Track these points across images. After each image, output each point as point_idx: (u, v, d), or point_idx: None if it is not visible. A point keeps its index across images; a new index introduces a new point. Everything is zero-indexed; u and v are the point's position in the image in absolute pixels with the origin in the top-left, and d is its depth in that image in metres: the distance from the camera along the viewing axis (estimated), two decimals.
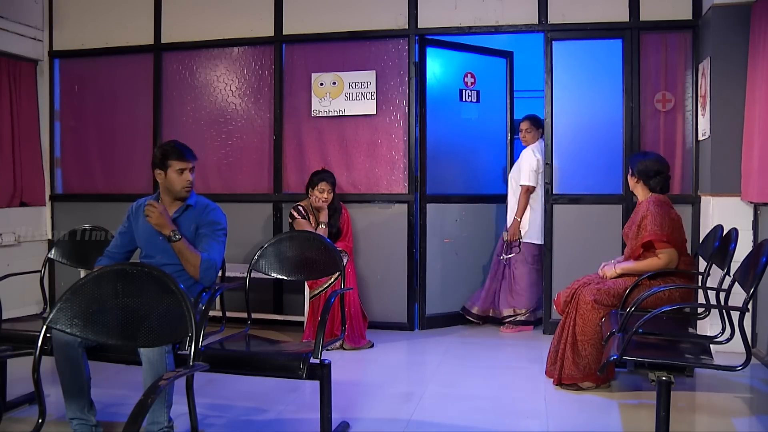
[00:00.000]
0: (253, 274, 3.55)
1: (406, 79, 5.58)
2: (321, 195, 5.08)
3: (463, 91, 5.83)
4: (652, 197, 4.06)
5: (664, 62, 5.26)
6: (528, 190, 5.55)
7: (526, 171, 5.54)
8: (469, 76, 5.84)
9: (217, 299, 3.70)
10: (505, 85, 6.09)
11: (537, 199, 5.58)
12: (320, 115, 5.70)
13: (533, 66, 6.20)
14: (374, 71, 5.62)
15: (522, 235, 5.59)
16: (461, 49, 5.81)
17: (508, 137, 6.13)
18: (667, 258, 3.91)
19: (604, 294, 3.91)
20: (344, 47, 5.71)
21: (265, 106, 5.89)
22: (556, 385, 4.05)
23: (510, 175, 5.75)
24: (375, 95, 5.60)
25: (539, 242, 5.58)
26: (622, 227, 5.13)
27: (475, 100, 5.84)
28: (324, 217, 5.10)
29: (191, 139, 5.91)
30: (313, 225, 5.09)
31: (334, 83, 5.66)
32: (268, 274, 3.61)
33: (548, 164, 5.39)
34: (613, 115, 5.32)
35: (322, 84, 5.69)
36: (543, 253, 5.51)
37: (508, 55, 6.09)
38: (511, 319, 5.58)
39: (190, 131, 6.02)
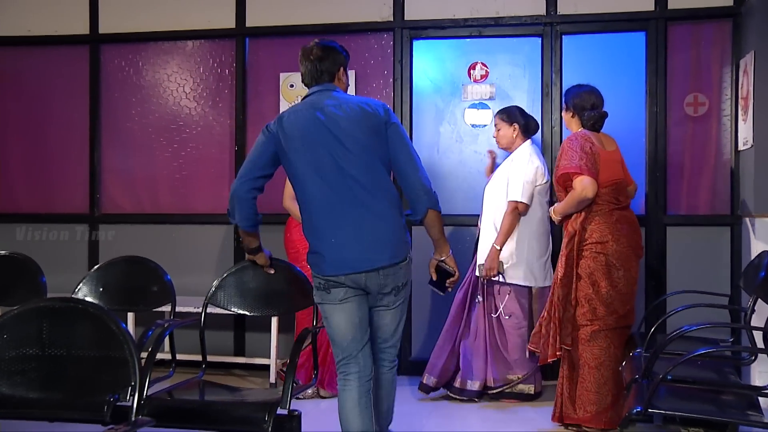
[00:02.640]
0: (209, 309, 3.54)
1: (391, 80, 5.57)
2: None
3: (469, 87, 5.59)
4: (574, 133, 4.26)
5: (697, 59, 5.25)
6: (517, 209, 4.80)
7: (518, 182, 4.80)
8: (478, 67, 5.57)
9: (166, 339, 3.67)
10: (540, 74, 5.45)
11: (531, 223, 4.87)
12: None
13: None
14: (353, 71, 5.59)
15: (504, 269, 4.82)
16: (464, 35, 5.58)
17: (546, 140, 5.47)
18: (579, 186, 4.05)
19: (580, 318, 4.11)
20: None
21: (225, 110, 5.84)
22: (556, 422, 4.21)
23: (487, 188, 5.01)
24: None
25: (527, 284, 4.85)
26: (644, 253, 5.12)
27: (487, 97, 5.57)
28: None
29: (137, 148, 5.97)
30: None
31: None
32: (227, 309, 3.60)
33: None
34: (634, 121, 5.30)
35: (292, 86, 5.65)
36: (530, 302, 4.87)
37: (544, 33, 5.44)
38: (507, 388, 4.83)
39: (136, 139, 5.97)
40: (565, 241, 4.22)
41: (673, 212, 5.24)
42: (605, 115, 4.34)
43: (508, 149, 4.98)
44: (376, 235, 3.11)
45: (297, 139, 3.14)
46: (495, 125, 5.01)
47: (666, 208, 5.23)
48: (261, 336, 5.54)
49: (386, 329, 3.29)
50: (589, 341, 4.08)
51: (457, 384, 4.86)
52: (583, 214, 4.15)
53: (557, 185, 4.29)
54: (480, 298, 4.88)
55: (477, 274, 4.88)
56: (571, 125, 4.39)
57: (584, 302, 4.09)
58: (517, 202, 4.77)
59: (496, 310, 4.82)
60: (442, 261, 3.40)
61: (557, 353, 4.12)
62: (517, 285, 4.82)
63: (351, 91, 5.51)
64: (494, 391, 4.83)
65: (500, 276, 4.80)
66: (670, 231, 5.21)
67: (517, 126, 4.93)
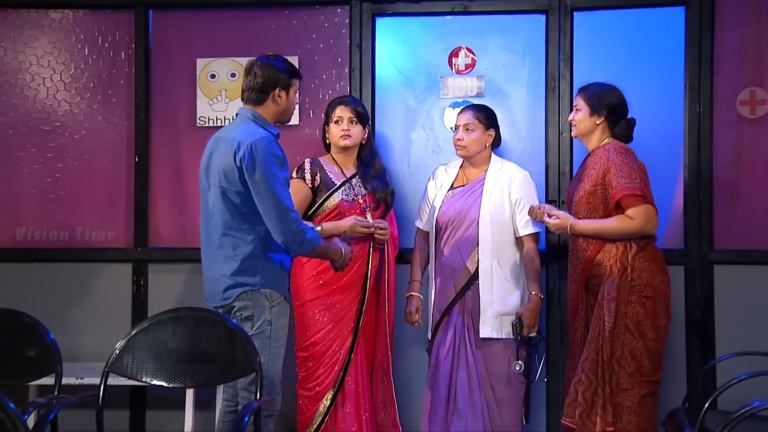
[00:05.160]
0: (111, 380, 3.57)
1: (347, 70, 5.57)
2: (339, 127, 4.88)
3: (449, 80, 5.58)
4: (612, 144, 4.44)
5: (755, 41, 5.27)
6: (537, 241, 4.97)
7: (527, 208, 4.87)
8: (462, 54, 5.57)
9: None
10: (544, 63, 5.48)
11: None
12: (211, 124, 5.59)
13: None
14: (296, 57, 5.54)
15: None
16: (444, 12, 5.59)
17: (552, 150, 5.51)
18: (643, 218, 4.21)
19: (624, 380, 4.17)
20: (249, 18, 5.70)
21: (120, 107, 5.72)
22: None
23: (482, 214, 4.88)
24: (297, 94, 5.38)
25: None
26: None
27: (473, 93, 5.54)
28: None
29: None
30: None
31: (233, 75, 5.61)
32: (137, 379, 3.63)
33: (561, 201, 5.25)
34: (669, 125, 5.32)
35: (213, 76, 5.64)
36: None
37: (550, 8, 5.46)
38: None
39: None
40: (611, 282, 4.20)
41: (723, 247, 5.22)
42: (634, 124, 4.56)
43: (469, 157, 4.96)
44: (215, 276, 4.01)
45: (201, 165, 4.10)
46: (464, 126, 4.88)
47: (713, 241, 5.21)
48: (168, 415, 5.53)
49: None
50: (634, 408, 4.17)
51: None
52: (633, 247, 4.25)
53: (590, 203, 4.38)
54: (519, 362, 4.79)
55: (497, 334, 4.77)
56: (593, 133, 4.49)
57: (630, 359, 4.19)
58: (537, 233, 4.90)
59: (520, 367, 4.79)
60: None
61: (608, 429, 4.13)
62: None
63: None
64: None
65: (538, 335, 4.90)
66: (718, 271, 5.19)
67: (496, 133, 5.00)
